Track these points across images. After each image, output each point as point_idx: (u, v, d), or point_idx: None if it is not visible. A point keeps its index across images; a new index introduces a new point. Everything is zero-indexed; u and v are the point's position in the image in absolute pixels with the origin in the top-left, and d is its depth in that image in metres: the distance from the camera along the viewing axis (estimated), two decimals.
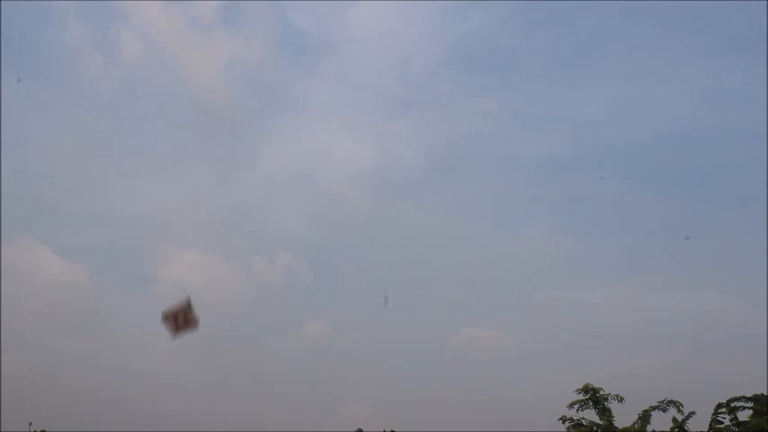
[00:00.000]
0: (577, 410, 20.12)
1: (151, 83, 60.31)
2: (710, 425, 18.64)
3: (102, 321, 53.17)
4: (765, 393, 18.33)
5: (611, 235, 56.29)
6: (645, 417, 19.47)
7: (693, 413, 19.07)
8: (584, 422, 19.96)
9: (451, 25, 62.80)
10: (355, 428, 31.21)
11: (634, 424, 19.45)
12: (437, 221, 60.46)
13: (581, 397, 20.14)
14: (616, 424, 19.75)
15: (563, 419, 20.20)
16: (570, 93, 61.57)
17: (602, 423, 19.79)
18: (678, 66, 61.41)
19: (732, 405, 18.40)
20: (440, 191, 61.70)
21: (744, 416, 18.44)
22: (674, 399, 19.20)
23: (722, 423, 18.48)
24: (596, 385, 20.18)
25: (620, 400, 20.05)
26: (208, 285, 54.08)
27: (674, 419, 19.14)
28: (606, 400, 20.01)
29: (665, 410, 19.26)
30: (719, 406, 18.59)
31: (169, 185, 60.90)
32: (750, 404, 18.37)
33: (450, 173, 63.89)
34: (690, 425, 19.12)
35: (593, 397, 20.00)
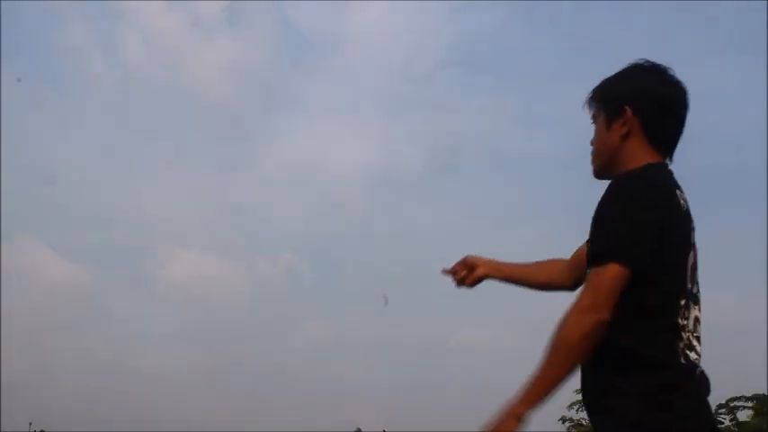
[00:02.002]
0: (577, 411, 20.13)
1: (151, 83, 60.29)
2: None
3: (103, 321, 53.21)
4: (765, 393, 18.30)
5: None
6: None
7: None
8: (584, 422, 19.97)
9: (451, 25, 62.86)
10: (355, 428, 31.21)
11: None
12: (437, 221, 60.51)
13: (579, 397, 20.11)
14: None
15: (563, 420, 20.19)
16: (570, 92, 61.64)
17: None
18: (678, 66, 61.20)
19: (731, 405, 18.36)
20: (440, 191, 61.70)
21: (743, 416, 18.40)
22: None
23: (722, 423, 18.45)
24: None
25: None
26: (208, 285, 54.06)
27: None
28: None
29: None
30: (720, 407, 18.54)
31: (169, 185, 60.86)
32: (750, 404, 18.33)
33: (451, 173, 63.97)
34: None
35: None
